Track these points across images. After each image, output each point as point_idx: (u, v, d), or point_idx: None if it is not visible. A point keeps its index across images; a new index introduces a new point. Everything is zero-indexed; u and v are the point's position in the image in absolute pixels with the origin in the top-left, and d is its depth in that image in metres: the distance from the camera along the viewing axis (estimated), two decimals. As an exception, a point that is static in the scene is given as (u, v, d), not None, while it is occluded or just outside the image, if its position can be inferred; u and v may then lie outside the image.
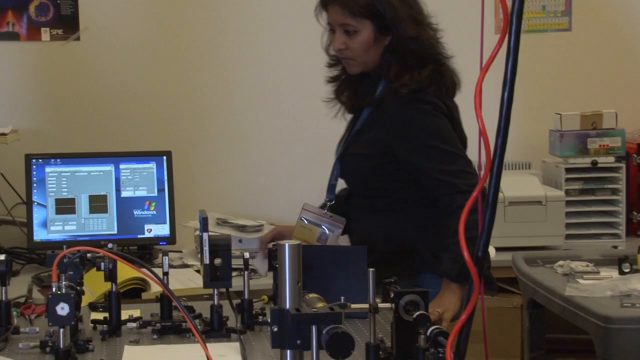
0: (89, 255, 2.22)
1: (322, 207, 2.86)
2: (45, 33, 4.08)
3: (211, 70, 4.24)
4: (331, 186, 2.88)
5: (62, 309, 1.91)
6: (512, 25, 1.35)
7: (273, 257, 2.30)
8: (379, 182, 2.76)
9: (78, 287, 2.18)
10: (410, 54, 2.70)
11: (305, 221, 2.83)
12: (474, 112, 1.40)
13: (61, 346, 1.96)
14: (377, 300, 1.92)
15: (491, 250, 3.57)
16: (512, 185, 3.85)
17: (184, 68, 4.21)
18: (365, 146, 2.77)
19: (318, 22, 2.83)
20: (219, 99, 4.26)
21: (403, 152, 2.69)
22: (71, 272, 2.14)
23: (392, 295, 1.92)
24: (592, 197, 4.08)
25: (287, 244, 1.77)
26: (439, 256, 2.65)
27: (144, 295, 3.07)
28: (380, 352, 1.94)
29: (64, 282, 1.96)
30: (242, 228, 3.78)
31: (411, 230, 2.74)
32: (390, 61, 2.71)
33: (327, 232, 2.81)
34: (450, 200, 2.61)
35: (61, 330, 1.96)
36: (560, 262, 3.09)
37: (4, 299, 2.23)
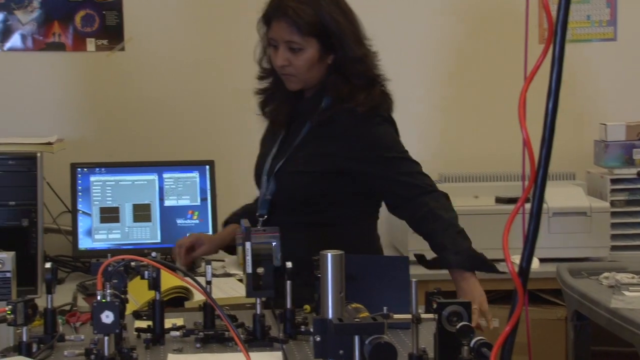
0: (133, 263, 2.24)
1: (254, 224, 2.77)
2: (90, 43, 4.13)
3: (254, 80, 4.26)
4: (265, 201, 2.81)
5: (107, 317, 1.93)
6: (557, 35, 1.34)
7: (315, 267, 2.31)
8: (319, 197, 2.77)
9: (122, 296, 2.20)
10: (356, 74, 2.72)
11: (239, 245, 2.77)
12: (518, 123, 1.39)
13: (106, 354, 1.98)
14: (420, 310, 1.92)
15: (535, 262, 3.55)
16: (557, 196, 3.82)
17: (227, 78, 4.23)
18: (310, 163, 2.75)
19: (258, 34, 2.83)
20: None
21: (361, 166, 2.72)
22: (115, 281, 2.15)
23: (435, 306, 1.92)
24: (638, 209, 4.04)
25: (329, 254, 1.78)
26: (430, 258, 2.77)
27: (187, 304, 3.08)
28: (423, 363, 1.93)
29: (108, 291, 1.97)
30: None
31: (352, 242, 2.67)
32: (337, 81, 2.72)
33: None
34: (421, 203, 2.69)
35: (106, 338, 1.97)
36: (606, 274, 3.06)
37: (49, 306, 2.25)
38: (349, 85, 2.72)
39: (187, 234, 3.17)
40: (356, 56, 2.71)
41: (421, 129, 4.38)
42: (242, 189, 4.24)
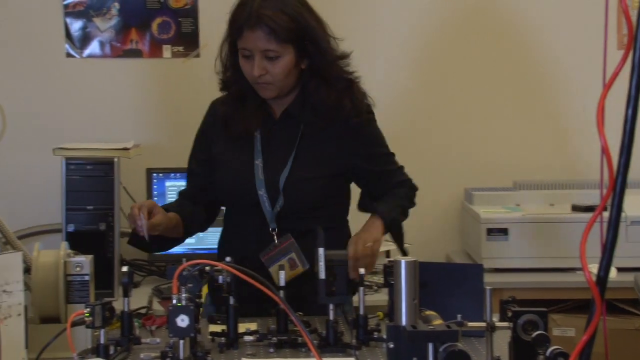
0: (207, 268, 2.26)
1: (269, 240, 2.70)
2: (166, 50, 4.19)
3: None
4: (274, 215, 2.69)
5: (182, 321, 1.95)
6: (637, 41, 1.32)
7: (389, 274, 2.31)
8: (325, 200, 2.76)
9: (197, 300, 2.22)
10: (335, 77, 2.70)
11: (272, 265, 2.69)
12: (595, 129, 1.38)
13: (181, 357, 2.00)
14: (494, 319, 1.91)
15: (613, 271, 3.50)
16: (635, 204, 3.76)
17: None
18: (317, 167, 2.72)
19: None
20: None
21: (363, 163, 2.77)
22: (190, 285, 2.18)
23: (510, 314, 1.91)
24: None
25: (403, 261, 1.78)
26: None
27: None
28: (498, 372, 1.92)
29: (183, 295, 2.00)
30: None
31: (346, 242, 2.72)
32: (319, 86, 2.69)
33: (291, 257, 2.71)
34: (405, 179, 2.88)
35: (181, 341, 2.00)
36: (685, 284, 3.01)
37: (126, 309, 2.29)
38: (333, 90, 2.69)
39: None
40: (332, 58, 2.70)
41: (496, 135, 4.35)
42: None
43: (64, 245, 2.36)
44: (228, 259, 2.24)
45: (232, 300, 2.35)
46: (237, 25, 2.63)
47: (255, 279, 1.96)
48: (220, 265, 2.07)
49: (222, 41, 2.74)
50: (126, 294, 2.27)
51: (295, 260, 2.68)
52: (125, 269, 2.29)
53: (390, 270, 2.22)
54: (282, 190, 2.67)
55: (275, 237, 2.69)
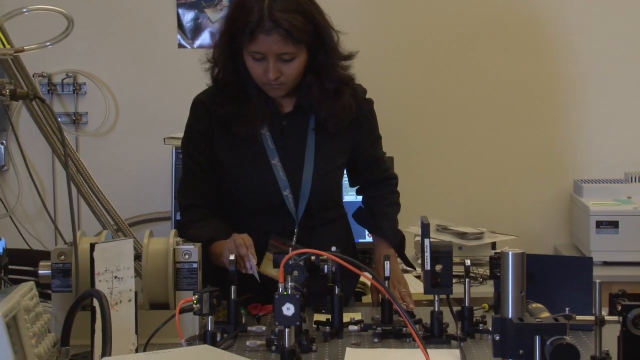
0: (313, 257, 2.27)
1: (289, 238, 2.64)
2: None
3: (429, 75, 4.26)
4: (301, 213, 2.64)
5: (288, 310, 1.96)
6: None
7: (495, 265, 2.28)
8: (339, 191, 2.79)
9: (303, 289, 2.23)
10: (332, 77, 2.63)
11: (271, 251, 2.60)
12: None
13: (286, 345, 2.02)
14: (603, 312, 1.87)
15: None
16: None
17: (409, 70, 4.24)
18: (337, 158, 2.71)
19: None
20: (441, 105, 4.26)
21: (368, 149, 2.78)
22: (296, 274, 2.19)
23: (619, 308, 1.86)
24: None
25: (510, 252, 1.75)
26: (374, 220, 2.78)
27: (364, 299, 3.11)
28: (606, 367, 1.88)
29: (289, 284, 2.01)
30: (462, 235, 3.76)
31: (350, 230, 2.83)
32: (311, 84, 2.63)
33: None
34: (391, 172, 2.87)
35: (286, 330, 2.01)
36: None
37: (233, 297, 2.31)
38: (320, 89, 2.63)
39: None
40: (336, 59, 2.63)
41: (607, 125, 4.26)
42: (420, 184, 4.26)
43: (173, 233, 2.39)
44: (334, 248, 2.24)
45: (337, 290, 2.35)
46: (248, 29, 2.50)
47: (361, 269, 1.96)
48: (325, 255, 2.07)
49: (219, 42, 2.63)
50: (233, 282, 2.30)
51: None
52: (232, 257, 2.32)
53: (496, 262, 2.18)
54: (309, 187, 2.64)
55: (295, 236, 2.64)
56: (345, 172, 2.81)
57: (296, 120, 2.68)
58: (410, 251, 3.93)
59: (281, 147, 2.65)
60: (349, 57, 2.67)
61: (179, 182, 2.76)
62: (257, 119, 2.63)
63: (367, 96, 2.78)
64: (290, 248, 2.49)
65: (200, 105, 2.72)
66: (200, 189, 2.68)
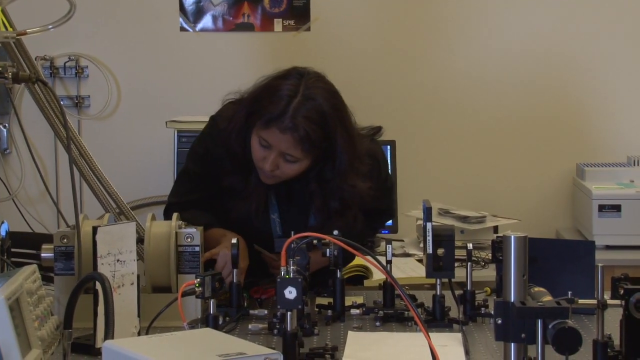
0: (315, 241, 2.26)
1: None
2: (277, 24, 4.21)
3: (429, 57, 4.25)
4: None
5: (290, 293, 1.96)
6: None
7: (497, 249, 2.28)
8: None
9: (304, 273, 2.23)
10: (335, 196, 2.54)
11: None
12: None
13: (288, 329, 2.02)
14: (605, 296, 1.86)
15: None
16: None
17: (415, 66, 4.23)
18: (342, 210, 2.61)
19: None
20: (442, 89, 4.25)
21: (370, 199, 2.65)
22: (298, 257, 2.19)
23: (621, 291, 1.86)
24: None
25: (512, 235, 1.74)
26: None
27: (366, 283, 3.11)
28: (609, 350, 1.88)
29: (292, 267, 2.01)
30: (464, 219, 3.76)
31: None
32: (313, 193, 2.56)
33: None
34: (386, 218, 2.91)
35: (288, 313, 2.01)
36: None
37: (235, 280, 2.32)
38: (322, 202, 2.56)
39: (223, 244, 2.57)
40: (347, 183, 2.53)
41: (609, 108, 4.25)
42: (422, 168, 4.26)
43: (176, 216, 2.39)
44: (336, 232, 2.24)
45: (339, 274, 2.35)
46: (267, 116, 2.46)
47: (363, 252, 1.96)
48: (327, 238, 2.07)
49: (240, 111, 2.55)
50: (235, 265, 2.30)
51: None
52: (234, 240, 2.32)
53: (499, 246, 2.18)
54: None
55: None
56: None
57: (301, 182, 2.61)
58: (412, 235, 3.94)
59: (283, 204, 2.64)
60: (354, 187, 2.54)
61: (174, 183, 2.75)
62: (253, 200, 2.58)
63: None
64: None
65: (214, 124, 2.66)
66: (190, 198, 2.66)
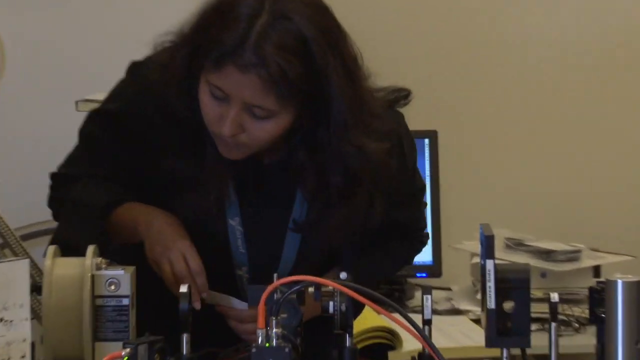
0: (310, 289, 2.28)
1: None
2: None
3: (493, 17, 4.30)
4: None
5: (272, 371, 1.99)
6: None
7: (596, 302, 2.31)
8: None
9: (295, 339, 2.24)
10: (335, 169, 2.59)
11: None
12: None
13: None
14: None
15: None
16: None
17: (464, 12, 4.32)
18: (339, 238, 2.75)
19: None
20: (511, 57, 4.32)
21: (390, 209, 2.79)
22: (284, 315, 2.21)
23: None
24: None
25: (620, 281, 1.78)
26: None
27: (393, 356, 3.14)
28: None
29: (274, 330, 2.03)
30: (547, 255, 3.78)
31: None
32: (304, 164, 2.62)
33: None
34: (420, 235, 2.99)
35: (271, 404, 2.04)
36: None
37: (185, 352, 2.33)
38: (317, 178, 2.62)
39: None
40: (346, 149, 2.56)
41: None
42: (478, 175, 4.29)
43: (92, 250, 2.38)
44: (343, 275, 2.26)
45: (348, 340, 2.38)
46: (217, 50, 2.47)
47: (388, 308, 1.99)
48: (329, 284, 2.10)
49: (178, 50, 2.59)
50: (186, 328, 2.31)
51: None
52: (184, 288, 2.32)
53: (599, 297, 2.21)
54: (289, 270, 2.68)
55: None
56: None
57: (281, 173, 2.68)
58: (463, 280, 3.96)
59: (248, 206, 2.69)
60: (363, 146, 2.58)
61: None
62: (211, 189, 2.62)
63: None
64: None
65: (137, 76, 2.71)
66: (92, 171, 2.72)
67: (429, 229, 3.80)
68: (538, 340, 2.37)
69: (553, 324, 2.32)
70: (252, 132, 2.52)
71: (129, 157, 2.67)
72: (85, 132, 2.76)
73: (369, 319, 2.97)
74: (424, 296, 2.36)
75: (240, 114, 2.49)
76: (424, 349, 2.33)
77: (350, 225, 2.63)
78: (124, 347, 2.15)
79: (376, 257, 2.81)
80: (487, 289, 2.30)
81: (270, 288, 2.02)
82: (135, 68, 2.70)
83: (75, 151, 2.78)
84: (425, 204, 2.95)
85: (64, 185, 2.66)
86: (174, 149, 2.62)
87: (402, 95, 2.71)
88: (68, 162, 2.78)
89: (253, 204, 2.67)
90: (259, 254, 2.68)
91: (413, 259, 2.96)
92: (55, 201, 2.73)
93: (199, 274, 2.52)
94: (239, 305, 2.67)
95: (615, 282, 1.77)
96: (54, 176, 2.77)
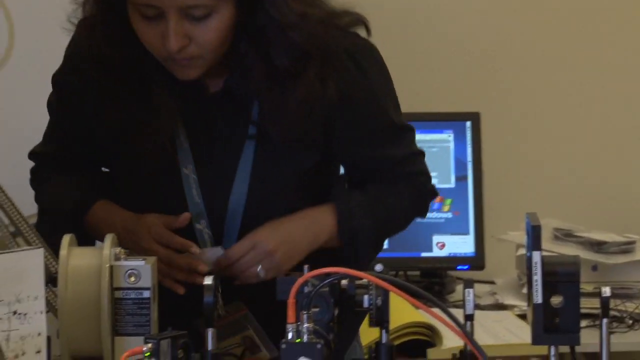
0: (344, 282, 2.25)
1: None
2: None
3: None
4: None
5: (304, 368, 1.96)
6: None
7: None
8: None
9: (327, 334, 2.21)
10: (282, 49, 2.61)
11: None
12: None
13: None
14: None
15: None
16: None
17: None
18: (290, 170, 2.80)
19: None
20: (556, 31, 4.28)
21: (367, 145, 2.85)
22: (317, 309, 2.17)
23: None
24: None
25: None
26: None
27: (432, 353, 3.11)
28: None
29: (305, 325, 2.00)
30: (598, 246, 3.75)
31: None
32: (253, 62, 2.63)
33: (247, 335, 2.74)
34: (423, 179, 2.99)
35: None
36: None
37: (210, 347, 2.30)
38: (264, 67, 2.63)
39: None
40: (288, 21, 2.59)
41: None
42: (525, 161, 4.27)
43: (111, 238, 2.38)
44: (379, 267, 2.22)
45: (384, 336, 2.34)
46: None
47: (426, 301, 1.95)
48: (365, 277, 2.06)
49: None
50: (210, 323, 2.28)
51: (254, 340, 2.73)
52: (208, 280, 2.29)
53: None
54: (239, 219, 2.72)
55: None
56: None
57: (228, 107, 2.71)
58: (508, 273, 3.93)
59: (200, 150, 2.71)
60: (305, 17, 2.61)
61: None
62: (165, 127, 2.67)
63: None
64: None
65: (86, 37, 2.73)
66: (50, 149, 2.90)
67: (470, 218, 3.81)
68: (588, 338, 2.38)
69: (604, 320, 2.30)
70: (199, 38, 2.55)
71: (77, 119, 2.79)
72: (47, 103, 2.89)
73: (407, 313, 2.95)
74: (466, 290, 2.35)
75: (179, 23, 2.52)
76: (465, 346, 2.33)
77: (309, 113, 2.65)
78: (146, 342, 2.14)
79: (370, 193, 2.81)
80: (534, 283, 2.28)
81: (300, 280, 2.01)
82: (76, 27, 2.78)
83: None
84: (422, 152, 2.95)
85: (38, 185, 2.85)
86: (118, 100, 2.68)
87: (356, 20, 2.74)
88: (43, 139, 2.93)
89: (204, 149, 2.70)
90: (215, 202, 2.71)
91: (422, 210, 2.93)
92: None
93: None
94: (213, 254, 2.72)
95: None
96: (31, 170, 2.92)
